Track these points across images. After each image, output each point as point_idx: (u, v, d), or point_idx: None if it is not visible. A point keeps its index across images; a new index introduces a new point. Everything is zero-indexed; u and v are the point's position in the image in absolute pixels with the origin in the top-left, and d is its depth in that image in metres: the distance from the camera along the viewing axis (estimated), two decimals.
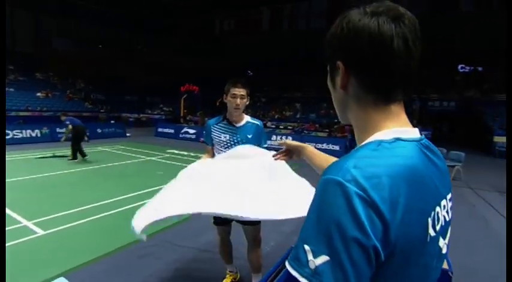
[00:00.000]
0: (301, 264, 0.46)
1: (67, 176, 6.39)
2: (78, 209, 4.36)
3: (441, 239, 0.57)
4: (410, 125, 0.59)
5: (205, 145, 2.45)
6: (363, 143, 0.56)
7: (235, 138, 2.24)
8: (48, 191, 5.28)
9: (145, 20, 28.16)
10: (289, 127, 17.19)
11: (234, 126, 2.28)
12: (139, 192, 5.22)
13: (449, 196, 0.61)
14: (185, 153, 10.15)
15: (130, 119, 21.93)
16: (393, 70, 0.54)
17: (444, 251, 0.59)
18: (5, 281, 1.37)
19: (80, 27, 26.67)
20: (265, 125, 18.22)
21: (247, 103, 2.26)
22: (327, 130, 15.19)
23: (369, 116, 0.59)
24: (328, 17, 24.94)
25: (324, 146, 11.43)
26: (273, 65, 28.19)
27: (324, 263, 0.44)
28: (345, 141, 11.67)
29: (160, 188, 1.90)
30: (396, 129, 0.56)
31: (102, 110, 21.55)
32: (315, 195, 0.49)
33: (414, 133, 0.58)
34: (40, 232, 3.59)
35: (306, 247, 0.46)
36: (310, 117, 19.12)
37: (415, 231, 0.49)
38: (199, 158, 8.75)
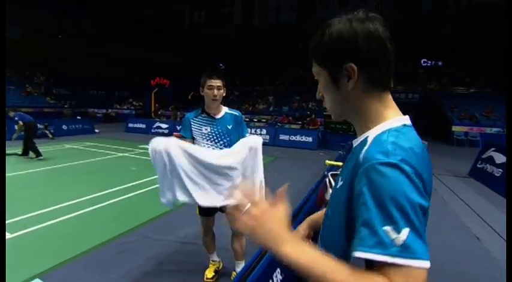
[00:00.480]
0: (386, 246, 0.51)
1: (35, 175, 6.04)
2: (48, 209, 4.16)
3: None
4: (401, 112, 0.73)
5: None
6: (379, 132, 0.66)
7: (215, 129, 2.29)
8: (13, 191, 4.98)
9: (110, 10, 26.71)
10: (262, 120, 17.33)
11: (214, 118, 2.31)
12: (115, 189, 5.09)
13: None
14: None
15: (98, 115, 20.92)
16: (390, 64, 0.68)
17: None
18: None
19: (36, 16, 24.73)
20: None
21: (224, 94, 2.30)
22: (300, 122, 15.51)
23: (373, 107, 0.70)
24: (299, 10, 25.28)
25: (298, 137, 11.68)
26: (245, 58, 28.09)
27: (408, 236, 0.51)
28: (317, 133, 11.99)
29: (137, 184, 1.97)
30: (399, 118, 0.69)
31: (66, 106, 20.34)
32: (364, 184, 0.56)
33: (409, 120, 0.70)
34: (7, 235, 3.40)
35: (386, 228, 0.52)
36: (283, 110, 19.37)
37: (431, 189, 0.63)
38: None
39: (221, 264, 2.80)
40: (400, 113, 0.71)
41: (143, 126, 14.82)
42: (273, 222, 0.63)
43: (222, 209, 2.43)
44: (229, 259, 2.79)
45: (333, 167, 3.39)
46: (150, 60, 27.19)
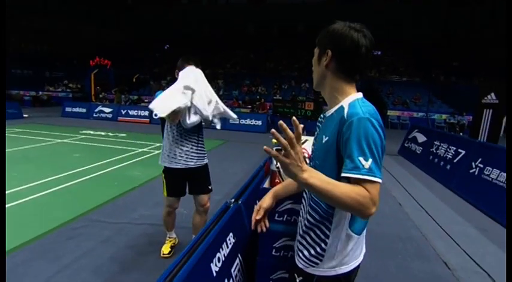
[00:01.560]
0: (359, 169, 0.86)
1: None
2: None
3: None
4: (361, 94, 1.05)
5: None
6: (350, 101, 0.98)
7: None
8: None
9: None
10: None
11: None
12: (58, 176, 4.77)
13: None
14: (103, 133, 9.36)
15: (26, 98, 18.59)
16: (357, 63, 1.00)
17: None
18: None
19: None
20: None
21: None
22: (250, 106, 15.76)
23: (341, 85, 1.03)
24: None
25: (248, 121, 11.93)
26: (194, 40, 27.12)
27: (371, 163, 0.86)
28: (266, 117, 12.37)
29: (82, 170, 1.96)
30: (359, 93, 1.02)
31: None
32: (353, 130, 0.88)
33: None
34: None
35: (360, 158, 0.86)
36: (233, 94, 19.39)
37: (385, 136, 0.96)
38: (119, 137, 8.43)
39: (177, 240, 2.92)
40: (359, 93, 1.03)
41: (83, 110, 13.66)
42: (296, 158, 0.87)
43: (191, 191, 2.55)
44: (184, 236, 2.94)
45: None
46: (87, 38, 24.67)
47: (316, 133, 1.20)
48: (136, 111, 13.12)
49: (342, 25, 1.00)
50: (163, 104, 2.11)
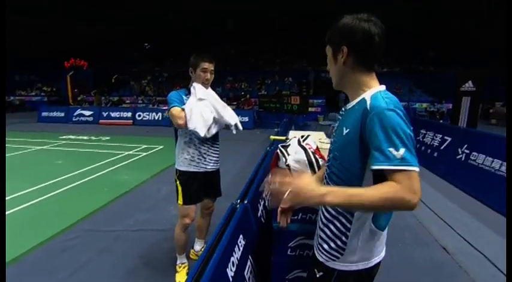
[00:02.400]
0: (391, 160, 0.84)
1: None
2: None
3: None
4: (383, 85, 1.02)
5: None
6: (373, 93, 0.96)
7: None
8: None
9: None
10: None
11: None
12: (43, 185, 4.52)
13: None
14: (85, 137, 9.00)
15: None
16: (373, 53, 0.98)
17: None
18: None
19: None
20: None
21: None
22: (235, 103, 15.65)
23: (362, 79, 1.01)
24: None
25: None
26: (174, 36, 26.51)
27: (404, 152, 0.83)
28: (253, 113, 12.31)
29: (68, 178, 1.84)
30: (381, 86, 1.00)
31: None
32: (379, 122, 0.87)
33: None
34: None
35: (390, 149, 0.84)
36: (216, 91, 18.95)
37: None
38: (103, 141, 8.15)
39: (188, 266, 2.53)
40: (382, 85, 1.02)
41: (61, 114, 13.09)
42: (309, 187, 0.90)
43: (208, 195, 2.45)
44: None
45: (276, 141, 3.65)
46: (61, 37, 23.52)
47: (336, 126, 1.17)
48: (118, 113, 12.72)
49: (350, 18, 0.98)
50: (200, 123, 2.11)
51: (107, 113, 12.77)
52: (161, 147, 7.54)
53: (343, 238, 1.05)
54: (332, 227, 1.07)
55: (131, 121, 12.40)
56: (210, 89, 2.29)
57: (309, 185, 0.90)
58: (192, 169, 2.24)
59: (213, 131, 2.22)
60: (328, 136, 4.61)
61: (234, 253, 1.57)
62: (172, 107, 2.12)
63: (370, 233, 1.03)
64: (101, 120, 12.60)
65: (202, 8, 25.07)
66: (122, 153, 6.73)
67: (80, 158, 6.45)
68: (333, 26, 1.03)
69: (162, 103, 16.97)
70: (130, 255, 2.75)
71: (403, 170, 0.83)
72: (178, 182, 2.26)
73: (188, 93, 2.23)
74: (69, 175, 5.05)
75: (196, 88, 2.18)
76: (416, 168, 0.85)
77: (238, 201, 1.90)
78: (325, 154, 2.39)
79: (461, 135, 5.04)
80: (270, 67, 22.15)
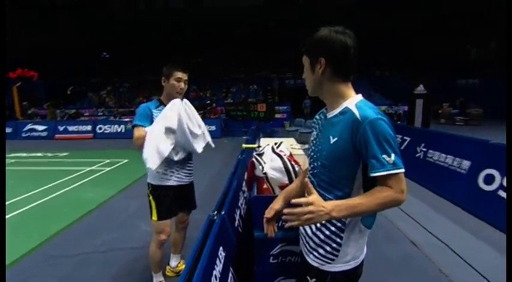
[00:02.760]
0: (385, 166, 0.94)
1: None
2: None
3: None
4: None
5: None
6: (354, 102, 1.03)
7: None
8: None
9: None
10: None
11: None
12: None
13: None
14: (39, 154, 8.29)
15: None
16: (350, 64, 1.04)
17: None
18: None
19: None
20: (134, 112, 16.78)
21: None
22: (201, 112, 15.44)
23: (340, 88, 1.07)
24: None
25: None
26: (133, 45, 25.69)
27: (395, 158, 0.94)
28: (219, 121, 12.21)
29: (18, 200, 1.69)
30: (358, 95, 1.07)
31: None
32: (372, 132, 0.94)
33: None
34: None
35: (384, 156, 0.94)
36: None
37: None
38: (60, 157, 7.57)
39: None
40: (358, 94, 1.09)
41: (9, 130, 11.94)
42: (317, 209, 0.94)
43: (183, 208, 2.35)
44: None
45: (248, 150, 3.64)
46: (8, 46, 21.64)
47: (315, 133, 1.21)
48: (76, 126, 11.92)
49: (327, 31, 1.03)
50: (153, 156, 1.95)
51: (63, 127, 11.91)
52: (126, 160, 7.17)
53: (338, 240, 1.09)
54: (326, 231, 1.10)
55: (91, 134, 11.68)
56: (189, 104, 2.16)
57: (319, 203, 0.95)
58: (165, 183, 2.15)
59: (181, 155, 2.11)
60: (301, 142, 4.71)
61: (215, 266, 1.53)
62: (134, 125, 2.06)
63: (359, 232, 1.10)
64: (56, 135, 11.72)
65: (163, 21, 24.73)
66: (83, 169, 6.30)
67: (34, 176, 5.92)
68: (309, 37, 1.08)
69: (124, 115, 16.24)
70: (99, 280, 2.54)
71: (394, 173, 0.95)
72: (151, 197, 2.15)
73: (160, 104, 2.15)
74: (23, 196, 4.60)
75: (173, 108, 2.03)
76: (403, 170, 0.96)
77: (215, 212, 1.85)
78: (299, 160, 2.44)
79: (419, 135, 5.44)
80: (234, 75, 22.26)
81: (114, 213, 3.96)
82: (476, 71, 19.52)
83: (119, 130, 11.75)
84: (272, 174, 1.87)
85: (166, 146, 1.95)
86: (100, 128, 11.82)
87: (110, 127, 11.85)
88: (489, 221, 3.44)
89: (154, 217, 2.13)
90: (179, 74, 2.09)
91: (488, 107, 15.54)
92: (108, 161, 7.14)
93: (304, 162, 2.61)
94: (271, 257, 1.61)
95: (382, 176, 0.95)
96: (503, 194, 3.39)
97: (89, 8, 24.80)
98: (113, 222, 3.66)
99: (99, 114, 16.57)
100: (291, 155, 2.27)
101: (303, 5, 24.28)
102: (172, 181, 2.16)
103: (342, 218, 1.00)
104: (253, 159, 2.07)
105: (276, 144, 2.29)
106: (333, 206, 0.95)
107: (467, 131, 10.61)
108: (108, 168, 6.43)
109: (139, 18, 25.62)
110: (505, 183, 3.41)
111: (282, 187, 1.69)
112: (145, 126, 2.03)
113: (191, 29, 26.58)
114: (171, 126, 1.96)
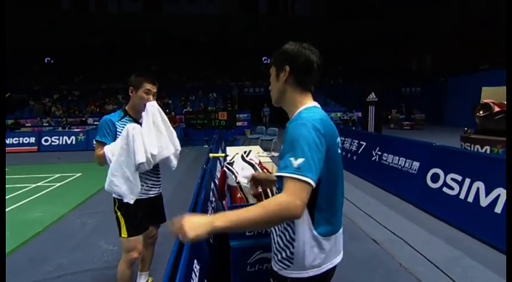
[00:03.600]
0: (287, 167, 0.89)
1: None
2: None
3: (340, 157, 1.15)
4: (316, 102, 1.15)
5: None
6: (300, 110, 1.10)
7: None
8: None
9: None
10: None
11: (138, 122, 2.02)
12: None
13: (338, 139, 1.14)
14: None
15: None
16: (312, 76, 1.12)
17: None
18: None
19: None
20: (86, 122, 15.65)
21: None
22: None
23: (298, 97, 1.14)
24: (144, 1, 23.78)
25: None
26: (82, 51, 24.11)
27: (302, 162, 0.89)
28: (180, 130, 11.86)
29: None
30: (312, 103, 1.13)
31: None
32: (288, 134, 0.97)
33: (318, 105, 1.15)
34: None
35: (290, 158, 0.90)
36: None
37: (333, 143, 1.05)
38: (17, 173, 6.71)
39: None
40: (314, 101, 1.15)
41: None
42: (196, 219, 0.89)
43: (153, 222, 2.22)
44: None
45: (215, 159, 3.59)
46: None
47: None
48: (16, 138, 10.74)
49: (294, 45, 1.13)
50: (118, 181, 1.86)
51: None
52: (79, 174, 6.64)
53: (291, 247, 1.09)
54: (283, 237, 1.11)
55: (36, 147, 10.62)
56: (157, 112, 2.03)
57: (194, 217, 0.90)
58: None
59: (151, 166, 2.00)
60: (264, 150, 4.78)
61: (192, 280, 1.48)
62: (95, 141, 1.98)
63: (313, 240, 1.07)
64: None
65: (118, 27, 23.60)
66: (28, 186, 5.68)
67: None
68: (277, 50, 1.17)
69: (75, 125, 15.07)
70: None
71: (295, 178, 0.87)
72: (119, 213, 2.00)
73: (124, 115, 2.05)
74: None
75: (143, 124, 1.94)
76: (309, 180, 0.87)
77: None
78: (267, 167, 2.47)
79: (373, 139, 5.84)
80: (194, 83, 21.95)
81: (68, 233, 3.61)
82: (417, 81, 21.75)
83: (68, 142, 10.84)
84: (245, 183, 1.87)
85: (129, 170, 1.86)
86: (46, 140, 10.80)
87: (58, 138, 10.88)
88: (436, 215, 3.80)
89: (124, 234, 1.99)
90: (148, 86, 1.99)
91: (429, 113, 17.34)
92: (57, 175, 6.53)
93: (272, 169, 2.66)
94: (248, 266, 1.60)
95: (282, 177, 0.90)
96: (447, 190, 3.78)
97: (34, 7, 22.76)
98: (67, 243, 3.33)
99: (45, 124, 15.16)
100: (260, 162, 2.29)
101: (262, 15, 24.91)
102: (141, 194, 2.04)
103: (231, 229, 0.91)
104: (225, 168, 2.05)
105: (245, 152, 2.29)
106: (216, 216, 0.90)
107: (413, 135, 11.67)
108: (58, 184, 5.88)
109: (89, 21, 24.13)
110: (448, 181, 3.80)
111: (256, 196, 1.69)
112: (107, 143, 1.92)
113: (150, 35, 25.75)
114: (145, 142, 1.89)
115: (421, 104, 19.02)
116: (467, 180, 3.54)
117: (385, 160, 5.20)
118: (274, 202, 0.88)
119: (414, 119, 15.83)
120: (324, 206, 1.06)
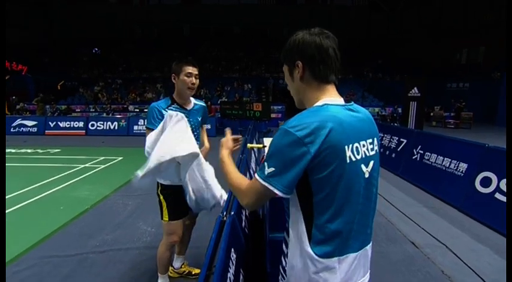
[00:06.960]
0: (262, 172, 0.88)
1: None
2: None
3: (363, 166, 0.92)
4: (339, 97, 0.97)
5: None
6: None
7: (188, 123, 2.00)
8: None
9: None
10: None
11: (186, 109, 2.11)
12: None
13: (369, 140, 0.96)
14: (29, 150, 8.08)
15: None
16: (329, 65, 0.94)
17: (367, 176, 0.94)
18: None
19: None
20: (127, 109, 16.55)
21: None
22: None
23: (314, 94, 0.96)
24: None
25: None
26: (126, 42, 25.33)
27: (271, 171, 0.86)
28: (215, 120, 12.12)
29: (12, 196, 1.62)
30: (327, 99, 0.94)
31: None
32: (273, 137, 0.90)
33: (339, 101, 0.95)
34: None
35: (265, 163, 0.88)
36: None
37: (336, 151, 0.85)
38: (52, 153, 7.44)
39: None
40: (335, 96, 0.96)
41: None
42: (225, 143, 1.26)
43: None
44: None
45: (251, 149, 3.63)
46: None
47: None
48: (68, 122, 11.66)
49: (301, 34, 0.96)
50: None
51: (54, 122, 11.63)
52: (120, 158, 7.06)
53: (284, 260, 1.00)
54: (284, 246, 1.04)
55: (84, 131, 11.46)
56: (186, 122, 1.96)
57: (226, 143, 1.26)
58: (176, 182, 2.10)
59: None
60: None
61: (229, 269, 1.51)
62: (146, 128, 2.05)
63: (308, 258, 0.91)
64: (47, 131, 11.45)
65: (156, 18, 24.40)
66: (77, 167, 6.16)
67: (26, 173, 5.76)
68: (285, 44, 1.00)
69: (117, 111, 15.99)
70: (101, 281, 2.49)
71: (260, 182, 0.89)
72: (162, 197, 2.10)
73: (172, 103, 2.11)
74: (15, 193, 4.47)
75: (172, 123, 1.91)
76: (274, 190, 0.86)
77: (225, 213, 1.83)
78: None
79: (415, 137, 5.51)
80: (229, 74, 22.16)
81: (112, 212, 3.89)
82: (466, 75, 19.98)
83: (112, 127, 11.55)
84: None
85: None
86: (92, 125, 11.61)
87: (103, 124, 11.64)
88: (487, 223, 3.52)
89: (166, 217, 2.07)
90: (189, 69, 2.03)
91: (479, 111, 15.93)
92: (102, 158, 7.01)
93: None
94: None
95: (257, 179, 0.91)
96: (500, 196, 3.47)
97: (87, 2, 24.27)
98: (111, 221, 3.59)
99: (91, 110, 16.27)
100: None
101: (301, 5, 24.33)
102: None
103: (221, 165, 1.13)
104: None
105: None
106: (228, 157, 1.16)
107: (458, 134, 10.84)
108: (102, 166, 6.32)
109: (132, 14, 25.23)
110: (501, 186, 3.49)
111: None
112: (155, 129, 1.96)
113: (187, 26, 26.34)
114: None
115: (468, 100, 17.52)
116: None
117: (428, 159, 4.89)
118: (244, 186, 0.96)
119: (460, 117, 14.67)
120: (324, 223, 0.88)
